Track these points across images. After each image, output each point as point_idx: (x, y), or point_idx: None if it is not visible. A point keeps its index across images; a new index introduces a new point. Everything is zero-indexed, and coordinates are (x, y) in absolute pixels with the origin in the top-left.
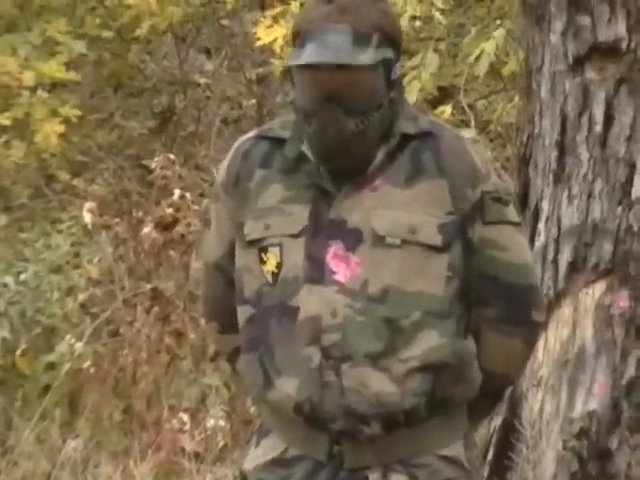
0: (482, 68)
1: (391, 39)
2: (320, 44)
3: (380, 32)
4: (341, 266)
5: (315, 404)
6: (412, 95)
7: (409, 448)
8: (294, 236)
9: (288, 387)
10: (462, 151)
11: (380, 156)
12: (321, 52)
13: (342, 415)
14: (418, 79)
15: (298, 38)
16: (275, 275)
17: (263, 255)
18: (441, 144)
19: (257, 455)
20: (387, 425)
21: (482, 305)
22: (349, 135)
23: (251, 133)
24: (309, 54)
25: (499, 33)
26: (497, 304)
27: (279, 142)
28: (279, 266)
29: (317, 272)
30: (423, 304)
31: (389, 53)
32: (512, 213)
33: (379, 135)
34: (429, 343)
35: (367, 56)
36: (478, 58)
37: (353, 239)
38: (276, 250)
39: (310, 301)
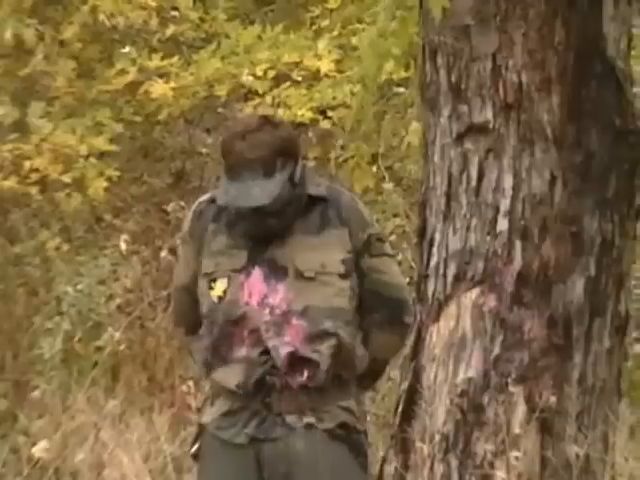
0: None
1: (290, 155)
2: (239, 185)
3: (281, 157)
4: (271, 293)
5: (250, 385)
6: (363, 181)
7: (317, 400)
8: (236, 271)
9: (230, 373)
10: (355, 207)
11: (294, 214)
12: (241, 196)
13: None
14: (359, 167)
15: (225, 165)
16: (220, 298)
17: (212, 284)
18: (341, 203)
19: (212, 411)
20: (303, 390)
21: (370, 312)
22: (271, 227)
23: (205, 196)
24: (232, 196)
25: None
26: (380, 311)
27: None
28: (225, 292)
29: (253, 297)
30: (334, 315)
31: (290, 166)
32: (388, 248)
33: (293, 211)
34: (337, 341)
35: (273, 184)
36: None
37: (281, 273)
38: (224, 280)
39: (249, 317)
